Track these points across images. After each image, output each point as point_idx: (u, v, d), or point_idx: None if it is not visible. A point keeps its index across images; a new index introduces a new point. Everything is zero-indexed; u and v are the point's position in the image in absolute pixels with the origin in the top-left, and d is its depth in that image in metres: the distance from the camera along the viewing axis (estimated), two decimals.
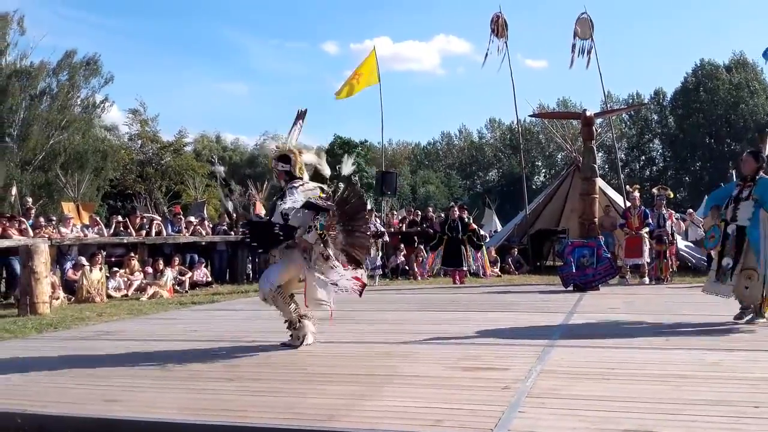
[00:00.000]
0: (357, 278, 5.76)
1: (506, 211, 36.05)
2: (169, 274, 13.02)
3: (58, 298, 10.79)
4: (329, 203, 5.63)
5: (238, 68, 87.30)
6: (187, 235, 14.88)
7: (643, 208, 13.03)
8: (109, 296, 11.97)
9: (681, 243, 15.30)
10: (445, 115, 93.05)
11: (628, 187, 14.17)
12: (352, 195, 5.78)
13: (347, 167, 6.05)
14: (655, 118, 59.11)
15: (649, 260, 12.79)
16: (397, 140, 68.52)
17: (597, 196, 12.54)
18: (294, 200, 5.68)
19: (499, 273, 15.91)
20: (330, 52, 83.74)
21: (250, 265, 16.17)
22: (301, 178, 5.91)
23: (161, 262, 13.30)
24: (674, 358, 5.07)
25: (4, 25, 35.88)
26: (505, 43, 18.03)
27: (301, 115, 6.26)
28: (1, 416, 3.92)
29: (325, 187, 5.93)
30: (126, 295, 12.39)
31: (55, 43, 50.29)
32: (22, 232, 12.14)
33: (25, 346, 6.47)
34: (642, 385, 4.16)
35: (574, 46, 17.10)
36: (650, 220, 12.86)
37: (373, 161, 54.80)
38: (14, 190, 21.56)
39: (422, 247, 16.41)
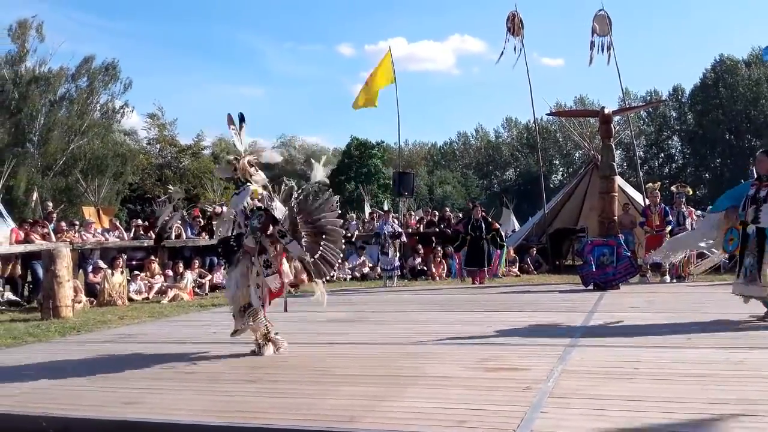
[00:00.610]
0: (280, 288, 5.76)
1: (524, 211, 35.84)
2: (189, 276, 13.10)
3: (80, 302, 10.90)
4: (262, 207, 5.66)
5: (255, 72, 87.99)
6: (206, 237, 14.96)
7: (663, 205, 12.90)
8: (130, 299, 12.07)
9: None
10: (461, 114, 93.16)
11: (651, 184, 14.01)
12: (312, 201, 5.76)
13: (319, 174, 6.14)
14: (674, 114, 58.58)
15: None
16: (413, 141, 68.58)
17: (616, 194, 12.42)
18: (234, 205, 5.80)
19: (518, 273, 15.82)
20: (345, 54, 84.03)
21: None
22: (248, 182, 5.85)
23: (181, 265, 13.39)
24: (698, 356, 5.01)
25: (24, 31, 36.34)
26: (521, 41, 17.94)
27: (230, 121, 6.08)
28: (26, 419, 3.97)
29: (266, 185, 5.92)
30: (147, 298, 12.48)
31: (74, 49, 50.95)
32: (44, 236, 12.28)
33: (49, 350, 6.55)
34: (666, 384, 4.12)
35: (592, 43, 16.95)
36: (671, 218, 12.73)
37: (389, 162, 54.82)
38: (35, 196, 21.83)
39: (439, 248, 16.38)
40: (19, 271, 12.48)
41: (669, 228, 12.63)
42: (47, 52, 37.61)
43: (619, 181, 14.26)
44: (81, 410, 4.08)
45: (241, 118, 6.15)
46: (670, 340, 5.75)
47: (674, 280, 12.43)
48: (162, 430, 3.63)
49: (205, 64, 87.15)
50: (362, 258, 16.59)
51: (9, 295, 12.03)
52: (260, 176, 5.96)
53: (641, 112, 55.44)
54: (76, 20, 68.12)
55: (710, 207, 17.30)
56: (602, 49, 16.96)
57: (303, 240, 5.68)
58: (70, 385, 4.80)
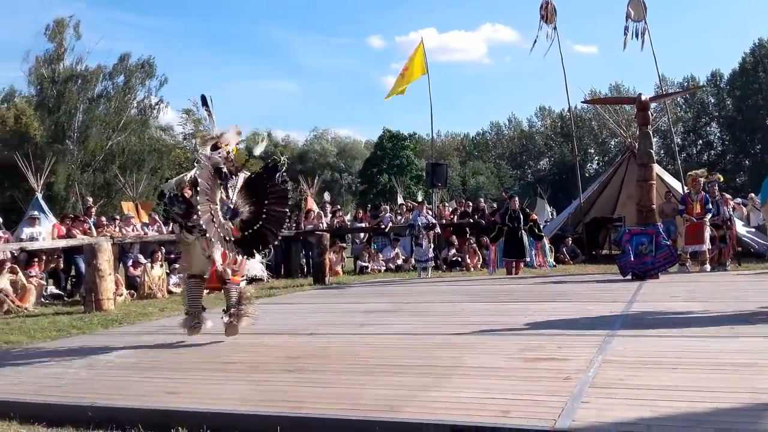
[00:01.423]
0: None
1: (558, 201, 35.48)
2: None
3: (121, 295, 11.11)
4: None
5: (287, 66, 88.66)
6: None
7: (704, 193, 12.62)
8: (170, 292, 12.26)
9: (742, 229, 14.79)
10: (493, 104, 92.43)
11: (695, 172, 13.70)
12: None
13: (258, 150, 6.89)
14: (712, 100, 57.32)
15: (710, 247, 12.40)
16: (445, 132, 68.28)
17: (654, 182, 12.20)
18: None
19: (554, 263, 15.67)
20: (375, 46, 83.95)
21: (304, 260, 16.35)
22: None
23: None
24: (741, 346, 4.91)
25: (60, 30, 37.04)
26: (554, 28, 17.70)
27: (204, 102, 6.40)
28: (73, 409, 4.07)
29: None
30: None
31: (111, 47, 51.87)
32: (85, 231, 12.55)
33: (92, 342, 6.69)
34: (710, 374, 4.05)
35: (626, 28, 16.64)
36: (710, 206, 12.46)
37: (421, 153, 54.70)
38: (75, 191, 22.26)
39: (473, 239, 16.31)
40: (61, 265, 12.78)
41: (708, 216, 12.38)
42: (84, 50, 38.27)
43: (657, 169, 14.01)
44: (125, 400, 4.17)
45: (204, 101, 6.43)
46: (713, 330, 5.64)
47: (715, 269, 12.19)
48: (205, 419, 3.68)
49: (239, 59, 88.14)
50: (396, 250, 16.61)
51: (52, 289, 12.34)
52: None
53: (678, 99, 54.38)
54: (113, 19, 69.40)
55: (752, 194, 16.97)
56: (637, 35, 16.65)
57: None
58: (115, 376, 4.90)
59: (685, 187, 14.40)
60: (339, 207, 21.17)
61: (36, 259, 11.94)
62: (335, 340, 6.01)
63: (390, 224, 16.95)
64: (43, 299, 11.54)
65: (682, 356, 4.60)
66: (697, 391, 3.66)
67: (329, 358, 5.16)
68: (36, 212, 13.93)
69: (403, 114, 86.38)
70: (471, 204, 19.39)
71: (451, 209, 19.06)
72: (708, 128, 57.87)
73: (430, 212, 16.11)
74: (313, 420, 3.57)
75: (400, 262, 16.35)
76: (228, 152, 6.13)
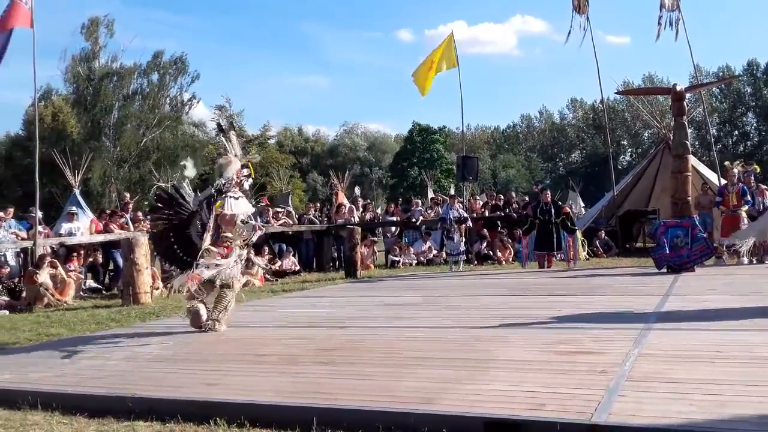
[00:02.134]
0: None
1: (591, 193, 35.08)
2: (260, 263, 13.38)
3: (157, 288, 11.29)
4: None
5: (317, 61, 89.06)
6: (275, 225, 15.27)
7: (741, 184, 12.38)
8: None
9: None
10: (524, 97, 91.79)
11: (727, 163, 13.46)
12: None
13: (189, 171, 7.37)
14: (749, 90, 56.09)
15: None
16: (475, 125, 67.91)
17: (690, 173, 11.99)
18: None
19: (588, 256, 15.50)
20: (404, 40, 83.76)
21: (336, 253, 16.44)
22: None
23: (252, 251, 13.68)
24: None
25: (95, 29, 37.68)
26: (587, 19, 17.49)
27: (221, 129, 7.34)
28: (113, 400, 4.16)
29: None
30: None
31: (144, 45, 52.61)
32: (122, 226, 12.78)
33: (131, 334, 6.81)
34: (751, 368, 3.99)
35: (660, 18, 16.38)
36: (749, 198, 12.22)
37: (451, 147, 54.52)
38: (113, 188, 22.67)
39: (503, 233, 16.22)
40: (100, 259, 13.04)
41: (745, 208, 12.14)
42: (119, 48, 38.90)
43: (692, 160, 13.77)
44: (165, 391, 4.24)
45: (222, 128, 7.34)
46: (752, 323, 5.54)
47: (753, 262, 11.96)
48: (243, 411, 3.73)
49: (270, 55, 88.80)
50: (428, 243, 16.61)
51: (91, 283, 12.60)
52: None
53: (713, 89, 53.32)
54: (147, 17, 70.31)
55: None
56: (671, 24, 16.38)
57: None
58: (153, 368, 5.00)
59: (722, 179, 14.14)
60: (369, 201, 21.19)
61: (75, 254, 12.22)
62: (368, 333, 6.04)
63: (421, 218, 16.95)
64: (82, 293, 11.80)
65: (719, 350, 4.53)
66: (738, 384, 3.61)
67: (362, 351, 5.19)
68: (74, 208, 14.21)
69: (433, 107, 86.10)
70: (502, 197, 19.29)
71: (482, 203, 18.99)
72: (744, 118, 56.69)
73: (461, 205, 16.08)
74: (349, 412, 3.60)
75: (431, 255, 16.35)
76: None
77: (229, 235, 6.54)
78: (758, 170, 13.66)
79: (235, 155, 6.85)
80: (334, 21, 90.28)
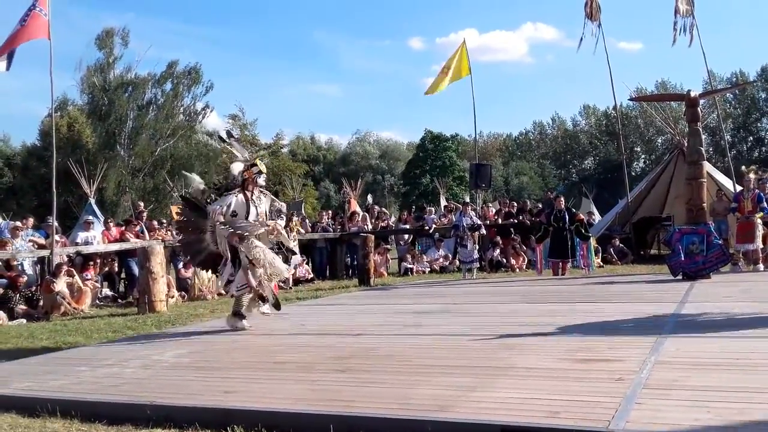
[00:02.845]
0: None
1: (604, 200, 34.90)
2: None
3: (173, 297, 11.38)
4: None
5: (329, 69, 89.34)
6: (292, 238, 15.31)
7: (757, 191, 12.29)
8: (219, 294, 12.49)
9: None
10: (536, 104, 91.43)
11: (743, 168, 13.36)
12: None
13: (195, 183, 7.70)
14: (763, 96, 55.67)
15: (762, 246, 12.08)
16: (487, 132, 67.81)
17: (705, 180, 11.92)
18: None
19: (601, 263, 15.44)
20: (415, 48, 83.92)
21: (349, 261, 16.46)
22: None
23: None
24: None
25: (110, 39, 38.06)
26: (599, 26, 17.47)
27: (229, 135, 8.08)
28: (131, 407, 4.19)
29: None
30: None
31: (159, 55, 53.15)
32: (137, 235, 12.88)
33: (147, 342, 6.86)
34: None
35: (675, 24, 16.32)
36: (765, 204, 12.13)
37: (464, 154, 54.48)
38: (128, 197, 22.85)
39: (517, 239, 16.18)
40: (116, 268, 13.15)
41: (760, 214, 12.05)
42: (134, 58, 39.33)
43: (707, 166, 13.70)
44: (182, 399, 4.27)
45: (227, 134, 8.23)
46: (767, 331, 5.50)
47: None
48: (260, 418, 3.75)
49: (284, 64, 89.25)
50: (441, 251, 16.60)
51: (107, 291, 12.70)
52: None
53: (727, 95, 52.96)
54: (161, 28, 70.95)
55: None
56: (685, 30, 16.32)
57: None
58: (170, 375, 5.03)
59: (738, 185, 14.04)
60: (384, 211, 21.23)
61: (91, 263, 12.33)
62: (383, 340, 6.05)
63: (434, 225, 16.95)
64: (98, 301, 11.90)
65: (737, 357, 4.50)
66: (757, 392, 3.58)
67: (378, 359, 5.20)
68: (90, 217, 14.37)
69: (445, 115, 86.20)
70: (516, 204, 19.25)
71: (494, 210, 18.96)
72: (759, 124, 56.28)
73: (474, 213, 16.07)
74: (366, 419, 3.61)
75: (445, 263, 16.34)
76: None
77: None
78: None
79: (242, 158, 7.28)
80: (346, 29, 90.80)
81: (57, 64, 16.95)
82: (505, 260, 15.95)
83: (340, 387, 4.30)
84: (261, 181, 7.22)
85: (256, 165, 7.14)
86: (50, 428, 4.02)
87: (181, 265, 13.08)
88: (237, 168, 7.15)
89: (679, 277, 10.53)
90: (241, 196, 7.06)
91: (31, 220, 13.21)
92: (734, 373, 4.06)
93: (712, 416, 3.20)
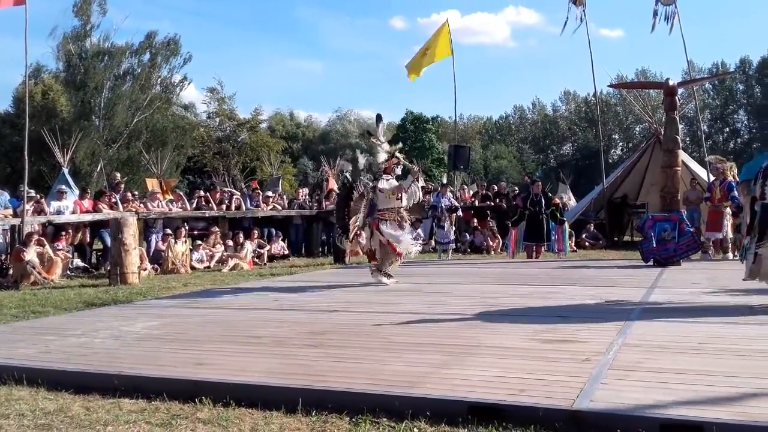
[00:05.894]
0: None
1: (581, 186, 35.16)
2: (249, 246, 13.40)
3: (145, 269, 11.30)
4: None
5: (311, 46, 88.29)
6: (265, 209, 15.26)
7: (728, 180, 12.48)
8: (192, 268, 12.45)
9: None
10: (517, 88, 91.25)
11: (710, 158, 13.55)
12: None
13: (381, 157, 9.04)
14: (741, 87, 56.22)
15: (731, 235, 12.31)
16: (468, 115, 67.72)
17: (679, 168, 12.05)
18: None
19: (575, 248, 15.60)
20: (398, 27, 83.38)
21: (324, 238, 16.45)
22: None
23: (241, 235, 13.70)
24: (761, 332, 4.92)
25: (88, 6, 37.21)
26: (584, 11, 17.52)
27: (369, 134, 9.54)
28: (99, 377, 4.18)
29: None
30: (208, 267, 12.84)
31: (137, 26, 52.07)
32: (111, 206, 12.73)
33: (118, 314, 6.81)
34: (730, 359, 4.06)
35: (656, 11, 16.41)
36: (735, 194, 12.32)
37: (443, 136, 54.49)
38: (100, 167, 22.50)
39: (492, 223, 16.26)
40: (87, 238, 13.00)
41: (729, 203, 12.25)
42: (111, 27, 38.47)
43: (682, 155, 13.85)
44: (151, 370, 4.26)
45: (379, 118, 10.47)
46: (733, 317, 5.62)
47: (737, 257, 12.07)
48: (229, 390, 3.76)
49: (265, 38, 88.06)
50: (419, 231, 16.62)
51: (78, 262, 12.57)
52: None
53: (706, 85, 53.47)
54: None
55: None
56: (666, 19, 16.41)
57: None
58: (140, 347, 5.01)
59: (711, 175, 14.24)
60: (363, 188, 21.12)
61: (63, 233, 12.16)
62: (356, 317, 6.09)
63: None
64: (69, 272, 11.77)
65: (702, 341, 4.59)
66: (716, 375, 3.67)
67: (351, 335, 5.24)
68: (63, 186, 14.15)
69: (426, 96, 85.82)
70: (494, 187, 19.33)
71: (472, 192, 19.03)
72: (735, 116, 56.83)
73: (451, 194, 16.12)
74: (335, 393, 3.63)
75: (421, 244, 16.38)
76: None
77: (394, 205, 8.55)
78: (734, 167, 13.67)
79: (384, 150, 8.87)
80: (329, 6, 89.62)
81: (32, 30, 16.59)
82: (481, 242, 16.04)
83: (312, 362, 4.31)
84: (398, 170, 8.80)
85: (395, 156, 8.79)
86: (16, 396, 3.99)
87: (154, 238, 13.00)
88: (382, 157, 8.83)
89: (651, 263, 10.69)
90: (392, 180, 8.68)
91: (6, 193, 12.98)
92: (696, 357, 4.15)
93: (672, 397, 3.27)
